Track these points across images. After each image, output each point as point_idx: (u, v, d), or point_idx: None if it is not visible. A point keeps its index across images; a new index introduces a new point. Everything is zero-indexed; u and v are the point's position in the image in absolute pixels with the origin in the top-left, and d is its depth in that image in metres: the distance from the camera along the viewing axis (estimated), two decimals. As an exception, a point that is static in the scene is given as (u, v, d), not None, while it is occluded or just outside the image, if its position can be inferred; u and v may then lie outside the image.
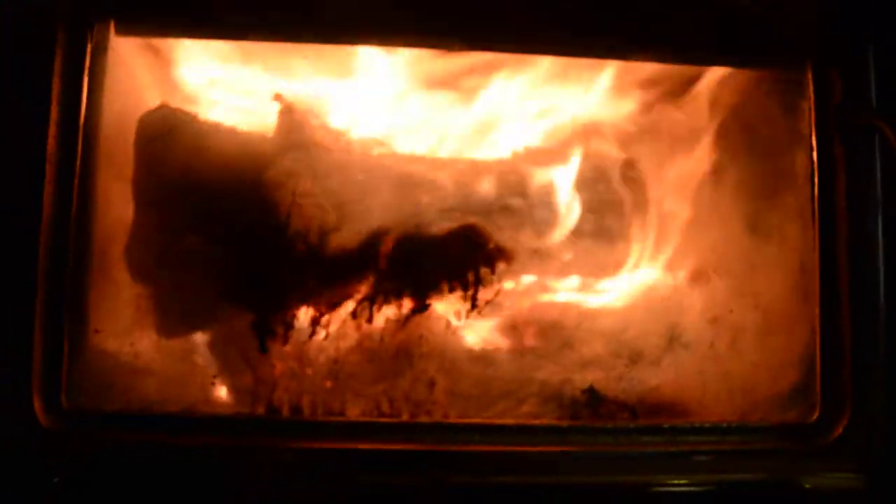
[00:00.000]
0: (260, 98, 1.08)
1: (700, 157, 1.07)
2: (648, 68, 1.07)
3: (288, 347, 0.93)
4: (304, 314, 0.95)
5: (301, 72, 1.06)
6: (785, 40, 1.01)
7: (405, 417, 0.93)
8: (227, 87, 1.12)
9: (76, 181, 0.92)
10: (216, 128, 1.04)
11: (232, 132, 1.04)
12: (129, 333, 0.95)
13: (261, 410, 0.92)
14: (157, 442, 0.89)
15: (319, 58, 1.05)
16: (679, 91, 1.10)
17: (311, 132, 1.02)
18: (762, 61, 1.04)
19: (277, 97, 1.05)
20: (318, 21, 0.96)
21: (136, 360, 0.94)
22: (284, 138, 1.02)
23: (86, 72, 0.94)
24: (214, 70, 1.11)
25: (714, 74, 1.07)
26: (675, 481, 0.93)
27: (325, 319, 0.94)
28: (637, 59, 1.03)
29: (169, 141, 1.02)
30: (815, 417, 0.97)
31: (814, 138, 1.00)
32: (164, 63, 1.11)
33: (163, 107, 1.05)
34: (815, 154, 1.00)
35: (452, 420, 0.93)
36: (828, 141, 0.99)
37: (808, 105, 1.00)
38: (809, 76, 1.01)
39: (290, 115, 1.04)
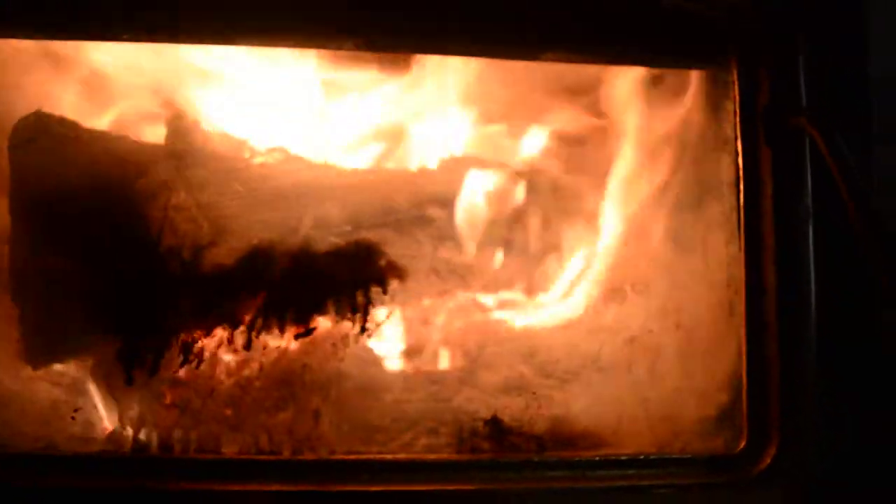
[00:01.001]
0: (147, 104, 1.00)
1: (618, 164, 0.99)
2: (565, 70, 1.00)
3: (157, 378, 0.84)
4: (176, 341, 0.86)
5: (189, 76, 0.98)
6: (709, 38, 0.94)
7: (287, 454, 0.84)
8: (112, 92, 1.04)
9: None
10: (94, 136, 0.96)
11: (112, 141, 0.96)
12: (-14, 362, 0.87)
13: (126, 448, 0.84)
14: (11, 484, 0.81)
15: (207, 60, 0.97)
16: (597, 94, 1.02)
17: (200, 141, 0.94)
18: (685, 61, 0.97)
19: (167, 104, 0.97)
20: (199, 20, 0.88)
21: (-10, 392, 0.85)
22: (168, 147, 0.94)
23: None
24: (98, 74, 1.03)
25: (634, 75, 0.99)
26: (588, 520, 0.86)
27: (198, 346, 0.85)
28: (550, 59, 0.94)
29: (40, 149, 0.94)
30: (741, 447, 0.89)
31: (739, 143, 0.93)
32: (45, 66, 1.03)
33: (37, 113, 0.97)
34: (740, 160, 0.92)
35: (339, 457, 0.84)
36: (754, 146, 0.92)
37: (734, 107, 0.93)
38: (735, 76, 0.93)
39: (177, 123, 0.96)
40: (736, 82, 0.93)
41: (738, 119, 0.93)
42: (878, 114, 0.96)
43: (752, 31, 0.93)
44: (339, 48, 0.89)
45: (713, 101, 0.96)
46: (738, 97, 0.93)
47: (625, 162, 0.98)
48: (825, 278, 0.91)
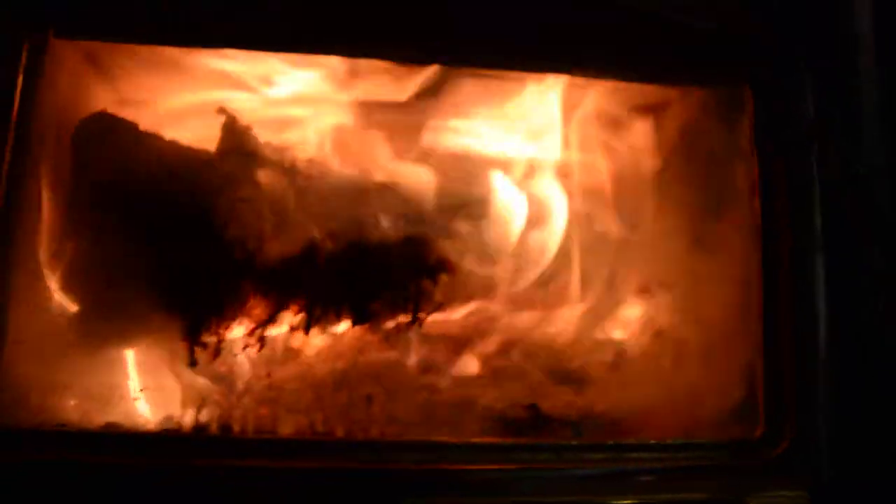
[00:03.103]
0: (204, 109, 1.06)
1: (644, 174, 1.07)
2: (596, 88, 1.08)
3: (219, 361, 0.89)
4: (238, 326, 0.91)
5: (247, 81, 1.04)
6: (724, 57, 1.03)
7: (340, 435, 0.89)
8: (170, 96, 1.10)
9: (3, 185, 0.88)
10: (155, 137, 1.02)
11: (171, 142, 1.01)
12: (51, 345, 0.90)
13: (188, 428, 0.88)
14: (76, 461, 0.84)
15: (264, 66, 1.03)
16: (624, 111, 1.10)
17: (253, 143, 1.00)
18: (704, 79, 1.05)
19: (220, 110, 1.03)
20: (262, 28, 0.94)
21: (56, 373, 0.89)
22: (225, 147, 1.00)
23: (20, 75, 0.90)
24: (158, 79, 1.08)
25: (657, 93, 1.08)
26: (619, 500, 0.91)
27: (258, 332, 0.90)
28: (580, 75, 1.02)
29: (105, 147, 0.99)
30: (758, 434, 0.95)
31: (755, 154, 1.00)
32: (108, 70, 1.08)
33: (101, 113, 1.02)
34: (756, 169, 1.00)
35: (389, 438, 0.89)
36: (769, 156, 1.00)
37: (748, 121, 1.01)
38: (748, 93, 1.02)
39: (232, 127, 1.02)
40: (750, 100, 1.02)
41: (752, 132, 1.01)
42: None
43: (764, 51, 1.02)
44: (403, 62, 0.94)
45: (729, 115, 1.04)
46: (751, 112, 1.01)
47: (651, 171, 1.06)
48: (837, 282, 0.98)
